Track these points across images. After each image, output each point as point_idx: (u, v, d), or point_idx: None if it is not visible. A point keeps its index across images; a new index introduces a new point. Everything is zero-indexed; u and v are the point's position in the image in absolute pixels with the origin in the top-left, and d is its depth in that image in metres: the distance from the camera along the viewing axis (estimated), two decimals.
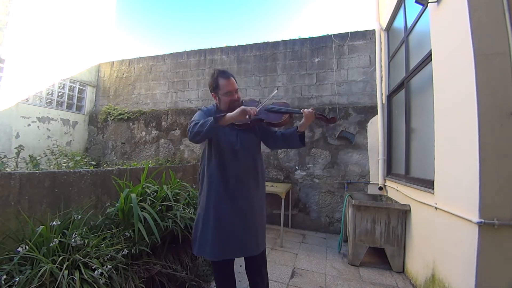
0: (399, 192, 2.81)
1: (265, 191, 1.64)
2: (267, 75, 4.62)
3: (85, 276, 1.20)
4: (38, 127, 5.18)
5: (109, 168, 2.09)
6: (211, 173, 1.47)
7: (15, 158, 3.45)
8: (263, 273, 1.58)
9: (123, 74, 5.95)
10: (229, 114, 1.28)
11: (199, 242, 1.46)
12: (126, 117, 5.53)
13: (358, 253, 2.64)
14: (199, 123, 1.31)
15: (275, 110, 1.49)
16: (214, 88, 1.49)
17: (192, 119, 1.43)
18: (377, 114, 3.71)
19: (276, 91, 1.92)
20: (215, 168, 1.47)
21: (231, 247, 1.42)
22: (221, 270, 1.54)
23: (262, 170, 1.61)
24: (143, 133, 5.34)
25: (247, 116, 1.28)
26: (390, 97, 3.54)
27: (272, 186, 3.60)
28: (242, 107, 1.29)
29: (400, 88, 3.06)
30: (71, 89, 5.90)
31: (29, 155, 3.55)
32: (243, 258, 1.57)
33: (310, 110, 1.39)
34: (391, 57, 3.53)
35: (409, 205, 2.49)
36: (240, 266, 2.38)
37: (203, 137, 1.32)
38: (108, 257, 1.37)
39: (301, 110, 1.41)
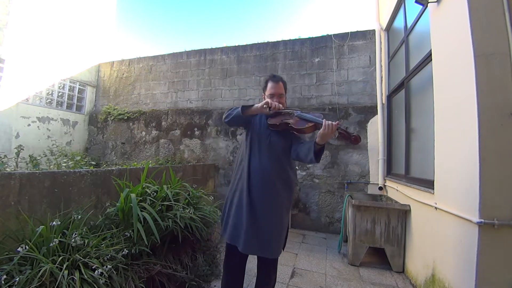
0: (399, 192, 2.81)
1: (291, 198, 1.62)
2: (267, 75, 4.61)
3: (85, 276, 1.20)
4: (38, 127, 5.18)
5: (109, 168, 2.09)
6: (241, 163, 1.60)
7: (15, 158, 3.45)
8: (271, 276, 1.60)
9: (123, 74, 5.96)
10: (255, 104, 1.47)
11: (224, 223, 1.59)
12: (126, 117, 5.53)
13: (358, 253, 2.64)
14: (233, 108, 1.53)
15: (303, 118, 1.49)
16: (263, 88, 1.68)
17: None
18: (377, 114, 3.71)
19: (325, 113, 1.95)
20: (246, 159, 1.56)
21: (242, 239, 1.44)
22: (231, 258, 1.56)
23: (291, 177, 1.57)
24: (143, 133, 5.34)
25: (265, 106, 1.43)
26: (390, 97, 3.54)
27: None
28: (267, 99, 1.47)
29: (400, 88, 3.06)
30: (71, 89, 5.90)
31: (29, 155, 3.55)
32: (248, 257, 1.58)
33: (332, 122, 1.29)
34: (391, 57, 3.53)
35: (409, 205, 2.49)
36: None
37: (231, 119, 1.52)
38: (108, 257, 1.37)
39: (323, 120, 1.33)
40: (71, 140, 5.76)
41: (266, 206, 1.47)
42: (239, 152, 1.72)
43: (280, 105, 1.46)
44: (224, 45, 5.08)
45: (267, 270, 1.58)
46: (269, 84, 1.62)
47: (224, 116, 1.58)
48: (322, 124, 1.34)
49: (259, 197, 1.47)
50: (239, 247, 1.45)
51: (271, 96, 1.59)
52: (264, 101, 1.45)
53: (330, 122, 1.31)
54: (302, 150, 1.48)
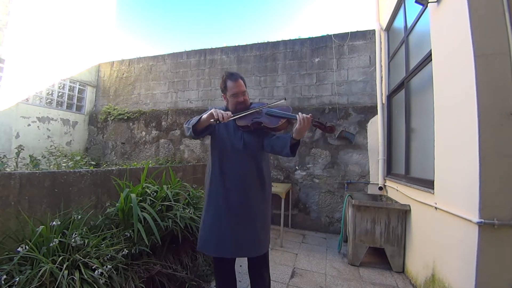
0: (399, 192, 2.81)
1: (270, 194, 1.63)
2: (267, 75, 4.62)
3: (85, 276, 1.20)
4: (38, 127, 5.18)
5: (109, 168, 2.09)
6: (213, 171, 1.52)
7: (15, 158, 3.45)
8: (264, 275, 1.58)
9: (123, 74, 5.95)
10: (203, 116, 1.33)
11: (201, 238, 1.51)
12: (126, 117, 5.53)
13: (358, 253, 2.64)
14: (189, 121, 1.41)
15: (275, 114, 1.48)
16: (223, 89, 1.56)
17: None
18: (377, 114, 3.70)
19: (283, 101, 1.77)
20: (217, 167, 1.51)
21: (228, 246, 1.43)
22: (221, 267, 1.55)
23: (267, 172, 1.58)
24: (143, 133, 5.34)
25: (212, 120, 1.28)
26: (390, 97, 3.54)
27: (272, 186, 3.60)
28: (212, 110, 1.31)
29: (400, 88, 3.06)
30: (71, 89, 5.90)
31: (29, 155, 3.55)
32: (243, 258, 1.57)
33: (306, 116, 1.28)
34: (391, 57, 3.53)
35: (409, 205, 2.49)
36: (240, 266, 2.38)
37: (192, 136, 1.40)
38: (108, 257, 1.37)
39: (296, 115, 1.32)
40: (71, 140, 5.76)
41: (246, 208, 1.46)
42: (209, 158, 1.61)
43: (229, 113, 1.32)
44: (224, 45, 5.08)
45: (259, 269, 1.58)
46: (229, 84, 1.51)
47: (185, 133, 1.49)
48: (295, 119, 1.33)
49: (238, 201, 1.45)
50: (227, 256, 1.45)
51: (235, 95, 1.51)
52: (208, 113, 1.30)
53: (304, 115, 1.28)
54: (277, 144, 1.45)
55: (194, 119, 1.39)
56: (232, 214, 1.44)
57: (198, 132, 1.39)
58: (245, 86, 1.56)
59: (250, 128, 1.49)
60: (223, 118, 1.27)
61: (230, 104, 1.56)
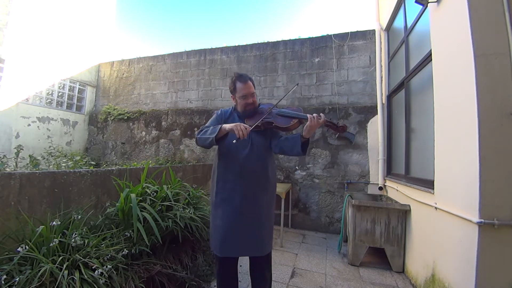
0: (399, 192, 2.81)
1: (274, 194, 1.63)
2: (267, 75, 4.62)
3: (85, 276, 1.20)
4: (38, 127, 5.18)
5: (109, 168, 2.09)
6: (219, 172, 1.53)
7: (14, 158, 3.45)
8: (266, 276, 1.58)
9: (123, 74, 5.95)
10: (226, 127, 1.39)
11: (212, 238, 1.55)
12: (126, 117, 5.53)
13: (358, 253, 2.64)
14: (206, 131, 1.46)
15: (285, 114, 1.49)
16: (232, 90, 1.58)
17: (206, 123, 1.58)
18: (377, 114, 3.71)
19: (296, 86, 1.83)
20: (223, 167, 1.52)
21: (234, 245, 1.44)
22: (223, 266, 1.56)
23: (272, 173, 1.59)
24: (143, 133, 5.34)
25: (236, 133, 1.32)
26: (390, 97, 3.54)
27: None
28: (235, 125, 1.34)
29: (400, 88, 3.06)
30: (71, 89, 5.90)
31: (29, 155, 3.55)
32: (243, 257, 1.58)
33: (319, 118, 1.32)
34: (391, 57, 3.53)
35: (409, 205, 2.49)
36: (240, 266, 2.38)
37: (205, 146, 1.46)
38: (108, 257, 1.37)
39: (307, 116, 1.34)
40: (71, 140, 5.76)
41: (252, 207, 1.47)
42: (215, 158, 1.62)
43: (248, 127, 1.34)
44: (224, 45, 5.08)
45: (262, 270, 1.58)
46: (239, 85, 1.52)
47: (196, 139, 1.51)
48: (305, 119, 1.36)
49: (243, 200, 1.46)
50: (231, 255, 1.46)
51: (244, 97, 1.52)
52: (233, 125, 1.35)
53: (316, 116, 1.32)
54: (286, 144, 1.48)
55: (212, 130, 1.43)
56: (237, 213, 1.45)
57: (219, 141, 1.44)
58: (254, 87, 1.57)
59: (260, 128, 1.50)
60: (242, 136, 1.31)
61: (239, 105, 1.58)
